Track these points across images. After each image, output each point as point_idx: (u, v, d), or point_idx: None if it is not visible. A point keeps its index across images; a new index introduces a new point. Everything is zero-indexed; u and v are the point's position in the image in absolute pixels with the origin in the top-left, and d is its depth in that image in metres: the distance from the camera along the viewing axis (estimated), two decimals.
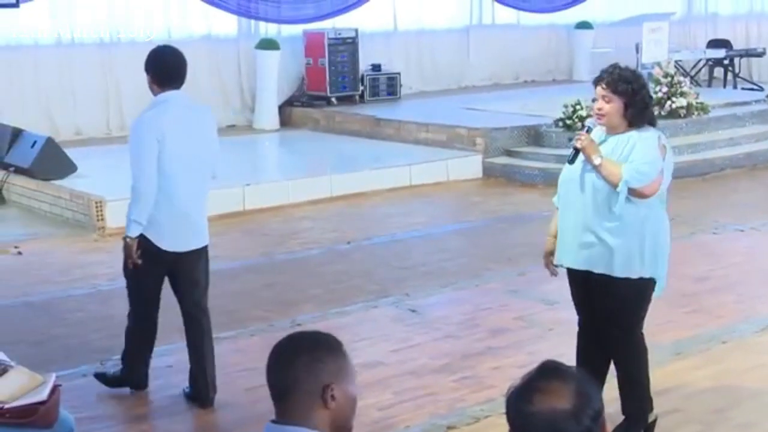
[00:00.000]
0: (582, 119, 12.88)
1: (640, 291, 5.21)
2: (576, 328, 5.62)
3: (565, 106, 13.08)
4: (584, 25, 19.52)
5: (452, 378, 6.15)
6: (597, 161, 5.05)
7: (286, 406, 2.75)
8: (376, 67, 16.82)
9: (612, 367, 5.50)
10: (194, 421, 5.71)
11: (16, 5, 11.48)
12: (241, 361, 6.58)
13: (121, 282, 8.32)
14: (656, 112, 13.54)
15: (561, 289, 7.96)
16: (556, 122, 13.12)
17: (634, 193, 5.01)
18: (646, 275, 5.16)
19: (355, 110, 15.66)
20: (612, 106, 5.06)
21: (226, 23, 15.87)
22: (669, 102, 13.91)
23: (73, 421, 4.54)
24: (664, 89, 13.97)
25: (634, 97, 5.03)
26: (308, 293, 8.08)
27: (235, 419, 5.73)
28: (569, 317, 7.35)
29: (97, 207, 9.88)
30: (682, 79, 14.66)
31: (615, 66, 5.21)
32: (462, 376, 6.27)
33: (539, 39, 19.56)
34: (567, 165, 5.26)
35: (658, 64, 14.48)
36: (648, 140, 5.07)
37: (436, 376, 6.27)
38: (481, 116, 14.13)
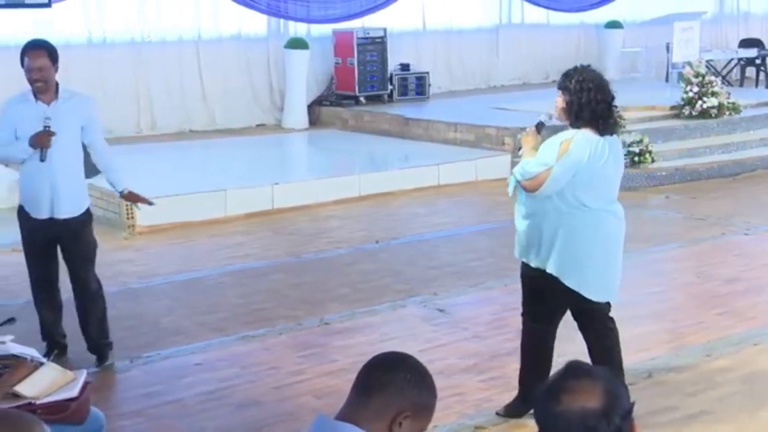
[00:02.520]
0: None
1: (538, 283, 5.45)
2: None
3: None
4: (614, 25, 19.44)
5: (480, 378, 6.14)
6: (520, 152, 5.49)
7: (359, 401, 2.73)
8: (405, 67, 16.81)
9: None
10: (222, 418, 5.73)
11: (48, 5, 11.57)
12: (269, 360, 6.60)
13: (152, 280, 8.42)
14: (687, 112, 13.64)
15: None
16: None
17: (520, 185, 5.38)
18: (547, 269, 5.37)
19: (383, 110, 15.66)
20: (559, 101, 5.37)
21: (256, 23, 15.92)
22: (700, 102, 13.82)
23: (103, 417, 4.57)
24: (695, 89, 13.90)
25: (571, 96, 5.26)
26: (336, 292, 8.09)
27: (263, 417, 5.74)
28: None
29: (127, 205, 9.91)
30: (713, 78, 14.57)
31: (579, 66, 5.43)
32: (490, 376, 6.26)
33: (569, 38, 19.49)
34: None
35: (689, 63, 14.40)
36: (554, 139, 5.34)
37: (464, 376, 6.25)
38: (510, 116, 14.09)
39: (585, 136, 5.26)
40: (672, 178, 12.38)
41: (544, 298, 5.51)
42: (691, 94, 13.90)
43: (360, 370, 2.78)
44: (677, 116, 14.07)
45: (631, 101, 14.21)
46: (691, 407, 5.70)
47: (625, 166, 12.41)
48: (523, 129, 5.63)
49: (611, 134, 5.36)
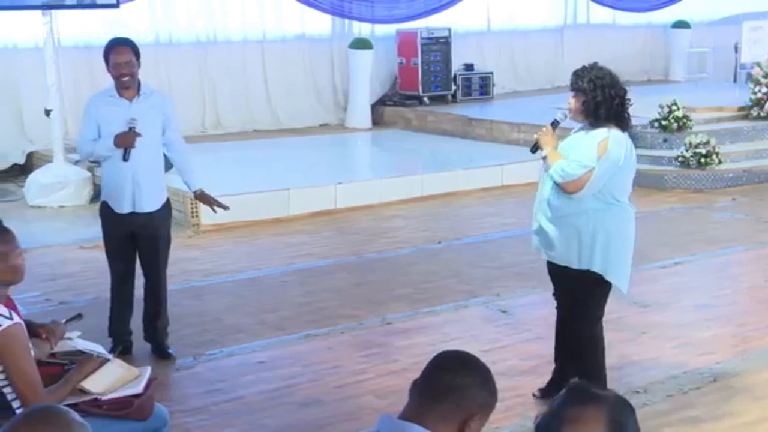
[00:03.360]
0: (678, 120, 12.71)
1: (583, 281, 5.41)
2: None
3: (661, 107, 12.90)
4: (681, 24, 19.23)
5: (542, 380, 6.09)
6: (544, 152, 5.43)
7: (426, 404, 2.73)
8: (469, 67, 16.78)
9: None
10: (284, 416, 5.76)
11: (116, 6, 11.69)
12: (331, 359, 6.62)
13: (216, 278, 8.50)
14: (755, 113, 13.45)
15: (654, 291, 7.89)
16: (651, 123, 12.95)
17: (559, 187, 5.32)
18: (585, 267, 5.36)
19: (447, 110, 15.65)
20: (573, 102, 5.39)
21: (320, 23, 15.99)
22: None
23: (167, 413, 4.61)
24: (764, 89, 13.70)
25: (588, 95, 5.28)
26: (398, 292, 8.09)
27: (324, 416, 5.76)
28: (662, 320, 7.28)
29: (192, 204, 10.02)
30: None
31: (588, 65, 5.45)
32: (552, 378, 6.20)
33: (635, 38, 19.32)
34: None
35: (758, 63, 14.20)
36: (589, 139, 5.30)
37: (526, 378, 6.22)
38: None
39: (617, 135, 5.31)
40: (739, 180, 12.21)
41: (594, 300, 5.54)
42: (759, 95, 13.71)
43: (425, 372, 2.77)
44: (745, 117, 13.88)
45: (698, 102, 14.06)
46: (755, 412, 5.61)
47: (692, 167, 12.41)
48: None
49: (628, 129, 5.43)
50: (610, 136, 5.28)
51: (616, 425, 2.26)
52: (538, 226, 5.55)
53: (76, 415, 2.46)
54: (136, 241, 6.55)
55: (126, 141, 6.31)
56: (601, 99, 5.27)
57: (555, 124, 5.58)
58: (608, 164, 5.26)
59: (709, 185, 12.02)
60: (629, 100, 5.39)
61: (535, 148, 5.57)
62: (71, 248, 9.42)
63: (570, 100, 5.41)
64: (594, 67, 5.41)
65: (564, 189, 5.31)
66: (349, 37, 16.04)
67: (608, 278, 5.39)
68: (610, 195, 5.35)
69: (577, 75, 5.36)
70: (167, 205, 6.62)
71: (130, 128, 6.29)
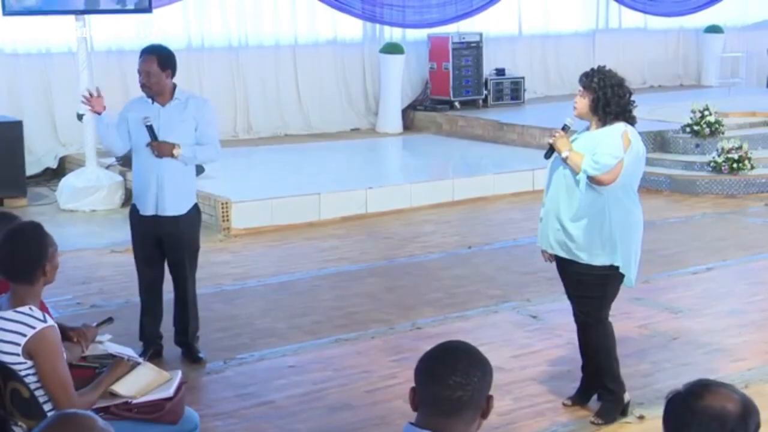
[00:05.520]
0: (710, 125, 12.64)
1: (603, 278, 5.54)
2: None
3: (693, 112, 12.82)
4: (714, 29, 19.08)
5: (573, 385, 6.07)
6: (564, 154, 5.52)
7: (450, 418, 2.77)
8: (500, 72, 16.75)
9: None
10: (314, 420, 5.77)
11: (149, 11, 11.77)
12: (361, 363, 6.62)
13: (247, 282, 8.53)
14: None
15: (686, 297, 7.85)
16: (683, 128, 12.88)
17: (593, 180, 5.42)
18: (608, 263, 5.50)
19: (478, 114, 15.62)
20: (581, 100, 5.57)
21: (351, 28, 16.01)
22: None
23: (197, 418, 4.62)
24: None
25: (598, 93, 5.48)
26: (429, 297, 8.09)
27: (355, 420, 5.77)
28: (694, 326, 7.23)
29: (223, 208, 10.07)
30: None
31: (597, 67, 5.69)
32: (581, 386, 6.18)
33: (667, 43, 19.22)
34: (553, 157, 5.68)
35: None
36: (611, 133, 5.47)
37: (557, 383, 6.21)
38: None
39: (632, 129, 5.54)
40: None
41: (609, 292, 5.67)
42: None
43: (432, 393, 2.79)
44: None
45: (730, 107, 13.97)
46: None
47: (724, 173, 12.32)
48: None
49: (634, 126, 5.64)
50: (628, 129, 5.49)
51: (749, 408, 2.61)
52: (559, 225, 5.61)
53: (100, 421, 2.48)
54: (163, 245, 6.59)
55: (160, 150, 6.42)
56: (610, 95, 5.47)
57: (566, 128, 5.70)
58: (634, 155, 5.48)
59: (742, 191, 11.93)
60: (633, 101, 5.62)
61: (550, 152, 5.69)
62: (103, 252, 9.48)
63: (577, 99, 5.60)
64: (602, 69, 5.64)
65: (600, 181, 5.41)
66: (380, 41, 16.05)
67: (624, 271, 5.52)
68: (630, 188, 5.55)
69: (586, 75, 5.58)
70: (194, 210, 6.64)
71: (147, 126, 6.37)
